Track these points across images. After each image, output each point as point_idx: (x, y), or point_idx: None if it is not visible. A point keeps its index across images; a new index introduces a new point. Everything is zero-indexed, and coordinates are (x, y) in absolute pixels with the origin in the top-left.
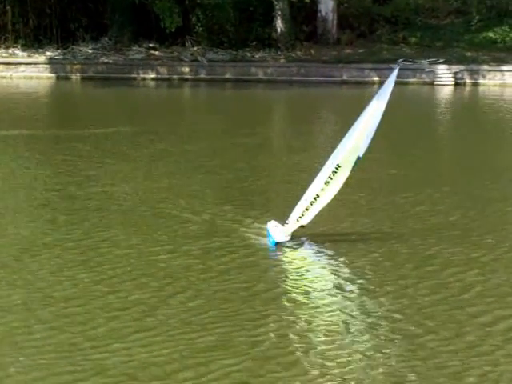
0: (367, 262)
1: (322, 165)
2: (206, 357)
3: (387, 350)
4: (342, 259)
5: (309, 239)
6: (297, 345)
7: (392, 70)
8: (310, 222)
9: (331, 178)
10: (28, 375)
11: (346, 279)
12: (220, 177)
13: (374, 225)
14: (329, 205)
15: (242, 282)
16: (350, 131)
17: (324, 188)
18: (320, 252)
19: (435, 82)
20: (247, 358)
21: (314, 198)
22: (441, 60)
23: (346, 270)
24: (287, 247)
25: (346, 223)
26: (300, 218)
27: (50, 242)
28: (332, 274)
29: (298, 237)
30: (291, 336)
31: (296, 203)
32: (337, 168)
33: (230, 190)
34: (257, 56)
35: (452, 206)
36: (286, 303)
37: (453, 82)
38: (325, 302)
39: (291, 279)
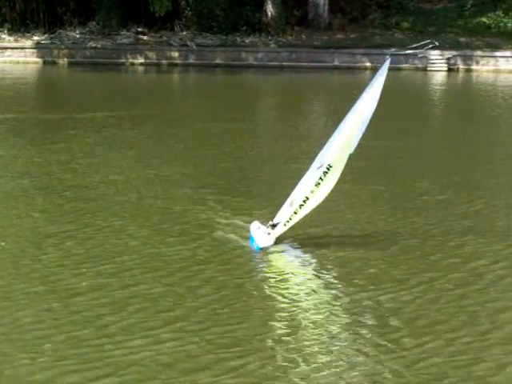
0: (362, 257)
1: (312, 156)
2: (226, 353)
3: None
4: (342, 254)
5: (312, 235)
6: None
7: (383, 62)
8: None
9: (322, 180)
10: (48, 371)
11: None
12: (213, 166)
13: (371, 218)
14: (330, 198)
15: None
16: (340, 128)
17: (314, 190)
18: (319, 249)
19: (428, 68)
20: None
21: (304, 201)
22: (430, 44)
23: (346, 265)
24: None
25: (348, 216)
26: (288, 222)
27: (53, 233)
28: (338, 269)
29: (287, 237)
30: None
31: (286, 196)
32: (328, 168)
33: (224, 181)
34: (247, 41)
35: (456, 195)
36: (282, 302)
37: (446, 68)
38: (333, 297)
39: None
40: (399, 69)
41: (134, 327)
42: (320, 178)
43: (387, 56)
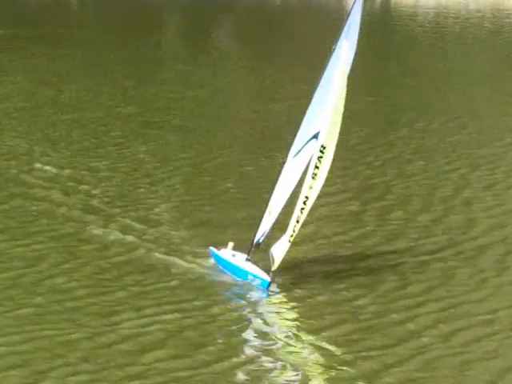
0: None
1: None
2: None
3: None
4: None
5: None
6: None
7: None
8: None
9: (318, 168)
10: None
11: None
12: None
13: None
14: None
15: None
16: (320, 95)
17: (312, 184)
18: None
19: None
20: None
21: (304, 203)
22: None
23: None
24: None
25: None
26: (292, 235)
27: None
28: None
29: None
30: None
31: None
32: (322, 151)
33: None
34: None
35: None
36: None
37: None
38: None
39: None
40: None
41: None
42: (316, 167)
43: None
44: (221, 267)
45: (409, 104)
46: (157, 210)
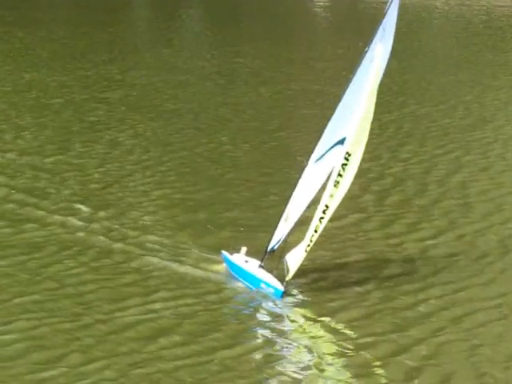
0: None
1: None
2: None
3: None
4: None
5: None
6: None
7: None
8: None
9: (341, 176)
10: None
11: None
12: None
13: None
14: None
15: None
16: (349, 98)
17: (334, 193)
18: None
19: None
20: None
21: (324, 212)
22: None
23: None
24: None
25: None
26: (309, 245)
27: None
28: None
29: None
30: None
31: None
32: (347, 158)
33: None
34: None
35: None
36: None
37: None
38: None
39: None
40: None
41: None
42: (339, 175)
43: None
44: (233, 273)
45: (396, 87)
46: (152, 204)
